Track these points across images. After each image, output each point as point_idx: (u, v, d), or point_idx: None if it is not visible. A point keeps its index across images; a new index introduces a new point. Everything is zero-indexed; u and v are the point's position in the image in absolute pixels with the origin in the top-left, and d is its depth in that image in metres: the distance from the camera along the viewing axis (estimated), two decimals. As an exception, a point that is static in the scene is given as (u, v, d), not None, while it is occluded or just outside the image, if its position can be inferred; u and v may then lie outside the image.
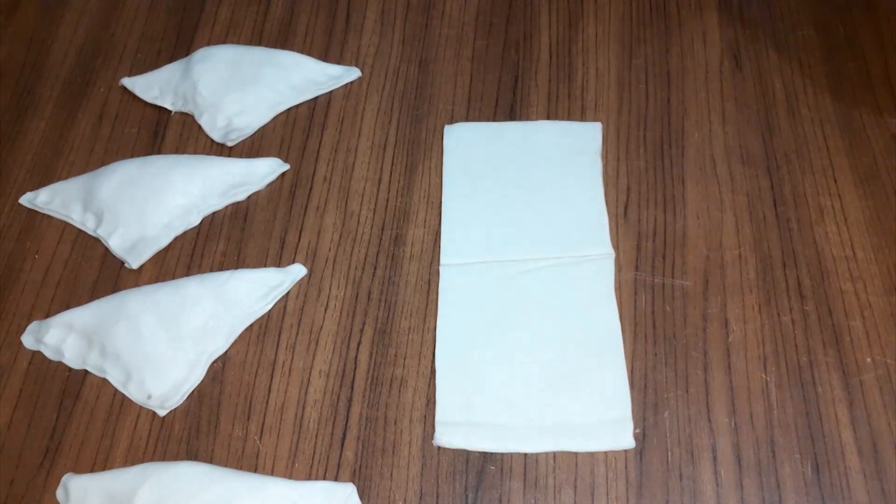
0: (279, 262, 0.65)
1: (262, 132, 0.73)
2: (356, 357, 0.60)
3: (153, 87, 0.76)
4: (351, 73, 0.76)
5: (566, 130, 0.69)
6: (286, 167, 0.70)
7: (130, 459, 0.57)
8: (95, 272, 0.65)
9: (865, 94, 0.71)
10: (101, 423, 0.58)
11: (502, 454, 0.56)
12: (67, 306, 0.63)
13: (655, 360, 0.59)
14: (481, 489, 0.54)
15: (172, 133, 0.73)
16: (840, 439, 0.55)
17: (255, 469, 0.56)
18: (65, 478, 0.56)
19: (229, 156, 0.71)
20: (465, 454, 0.56)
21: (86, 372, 0.61)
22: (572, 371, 0.58)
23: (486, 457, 0.56)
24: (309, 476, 0.55)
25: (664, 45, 0.76)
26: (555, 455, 0.55)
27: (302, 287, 0.64)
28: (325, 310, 0.63)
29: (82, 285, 0.65)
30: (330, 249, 0.66)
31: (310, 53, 0.77)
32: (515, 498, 0.54)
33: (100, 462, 0.57)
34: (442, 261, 0.64)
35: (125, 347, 0.60)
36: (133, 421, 0.58)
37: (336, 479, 0.55)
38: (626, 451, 0.55)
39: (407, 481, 0.55)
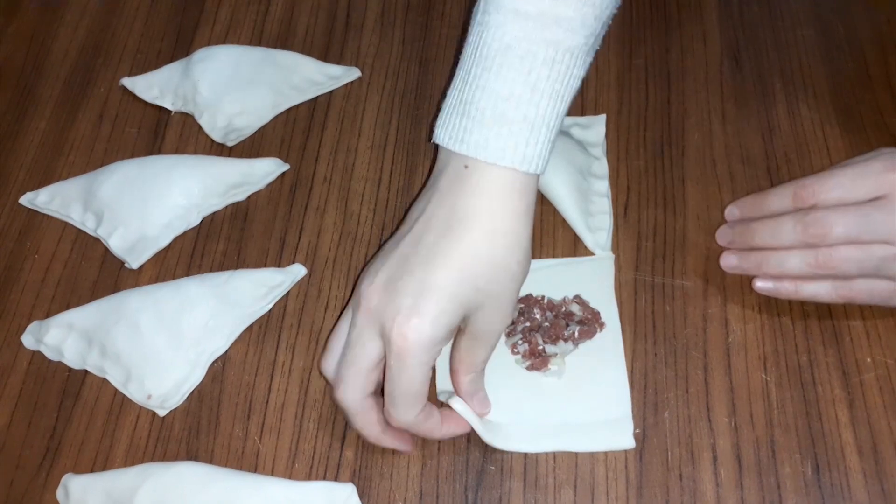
0: (279, 262, 0.65)
1: (262, 132, 0.73)
2: (356, 357, 0.60)
3: (153, 87, 0.76)
4: (351, 73, 0.76)
5: (565, 130, 0.69)
6: (286, 167, 0.70)
7: (130, 459, 0.57)
8: (95, 272, 0.65)
9: (865, 94, 0.71)
10: (101, 423, 0.58)
11: (502, 454, 0.56)
12: (67, 306, 0.63)
13: (655, 360, 0.59)
14: (481, 489, 0.54)
15: (172, 133, 0.73)
16: (840, 439, 0.55)
17: (255, 469, 0.56)
18: (65, 478, 0.56)
19: (229, 156, 0.71)
20: (465, 454, 0.56)
21: (86, 372, 0.61)
22: (572, 371, 0.58)
23: (486, 457, 0.56)
24: (309, 476, 0.55)
25: (664, 45, 0.76)
26: (555, 455, 0.55)
27: (302, 287, 0.64)
28: (326, 310, 0.63)
29: (82, 285, 0.65)
30: (330, 249, 0.66)
31: (310, 53, 0.77)
32: (515, 498, 0.54)
33: (100, 462, 0.57)
34: (442, 261, 0.64)
35: (125, 347, 0.60)
36: (133, 421, 0.58)
37: (336, 479, 0.55)
38: (626, 451, 0.55)
39: (407, 481, 0.55)
